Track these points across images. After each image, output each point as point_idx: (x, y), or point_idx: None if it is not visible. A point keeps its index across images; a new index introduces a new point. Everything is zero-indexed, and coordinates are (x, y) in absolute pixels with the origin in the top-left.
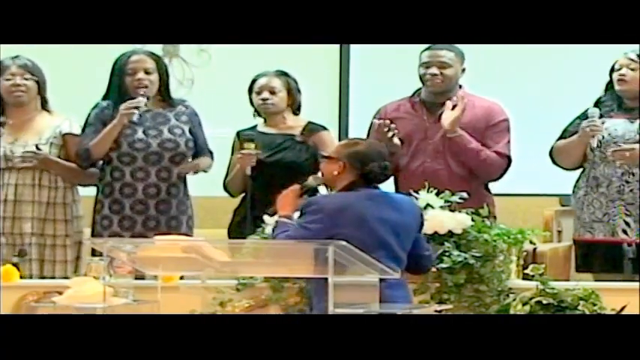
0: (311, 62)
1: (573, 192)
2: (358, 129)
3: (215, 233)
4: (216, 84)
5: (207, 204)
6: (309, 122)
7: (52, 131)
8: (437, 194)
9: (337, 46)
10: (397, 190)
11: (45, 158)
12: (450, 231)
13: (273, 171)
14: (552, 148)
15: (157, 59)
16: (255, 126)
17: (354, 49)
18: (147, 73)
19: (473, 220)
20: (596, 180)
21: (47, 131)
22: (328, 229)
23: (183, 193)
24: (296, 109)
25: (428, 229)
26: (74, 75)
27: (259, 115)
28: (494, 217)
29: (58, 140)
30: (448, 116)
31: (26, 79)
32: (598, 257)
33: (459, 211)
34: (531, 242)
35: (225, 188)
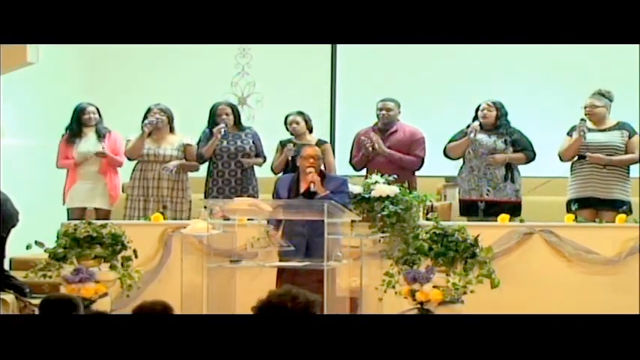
0: (308, 61)
1: (458, 173)
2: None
3: (267, 197)
4: (266, 118)
5: (265, 181)
6: (319, 139)
7: (177, 143)
8: (381, 176)
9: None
10: (368, 174)
11: (167, 164)
12: (387, 195)
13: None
14: (445, 147)
15: (231, 107)
16: (291, 139)
17: (341, 48)
18: (226, 114)
19: (400, 189)
20: (471, 168)
21: (175, 143)
22: None
23: (251, 175)
24: (310, 130)
25: (376, 194)
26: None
27: (292, 135)
28: (415, 188)
29: (181, 147)
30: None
31: (161, 115)
32: (470, 209)
33: (394, 184)
34: (430, 201)
35: (272, 169)
